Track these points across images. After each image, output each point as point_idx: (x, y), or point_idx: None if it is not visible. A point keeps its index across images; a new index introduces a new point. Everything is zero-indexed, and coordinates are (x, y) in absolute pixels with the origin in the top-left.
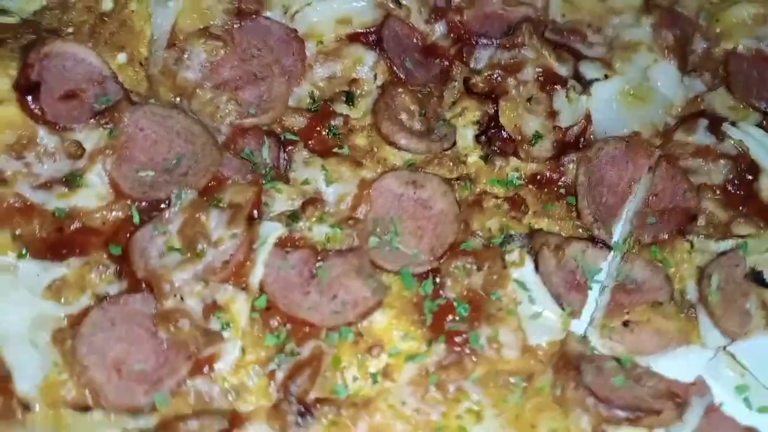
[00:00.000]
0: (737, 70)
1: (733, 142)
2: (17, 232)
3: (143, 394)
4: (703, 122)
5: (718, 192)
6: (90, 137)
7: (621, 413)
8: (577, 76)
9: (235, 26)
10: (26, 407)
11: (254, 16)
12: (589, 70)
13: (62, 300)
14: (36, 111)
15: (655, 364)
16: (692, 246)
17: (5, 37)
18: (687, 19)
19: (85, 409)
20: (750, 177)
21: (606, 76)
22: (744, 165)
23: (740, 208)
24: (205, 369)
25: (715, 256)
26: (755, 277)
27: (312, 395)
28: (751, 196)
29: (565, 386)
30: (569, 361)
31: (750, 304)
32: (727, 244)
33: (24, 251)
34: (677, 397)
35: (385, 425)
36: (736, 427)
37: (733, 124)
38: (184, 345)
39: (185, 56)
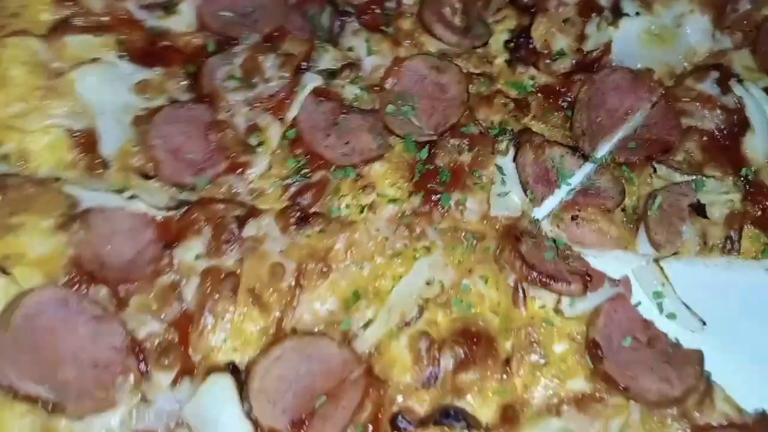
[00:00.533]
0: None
1: (735, 97)
2: (121, 38)
3: (190, 176)
4: (715, 74)
5: (705, 137)
6: None
7: (537, 275)
8: (616, 9)
9: None
10: (105, 165)
11: None
12: (628, 6)
13: (146, 96)
14: None
15: (588, 255)
16: (655, 171)
17: None
18: None
19: (146, 177)
20: (738, 131)
21: (638, 14)
22: (737, 119)
23: (718, 155)
24: (239, 171)
25: (671, 184)
26: (698, 207)
27: (312, 209)
28: (732, 148)
29: (504, 249)
30: (515, 233)
31: (685, 228)
32: (686, 177)
33: (124, 53)
34: (589, 277)
35: (360, 241)
36: (636, 317)
37: (740, 81)
38: (227, 149)
39: None
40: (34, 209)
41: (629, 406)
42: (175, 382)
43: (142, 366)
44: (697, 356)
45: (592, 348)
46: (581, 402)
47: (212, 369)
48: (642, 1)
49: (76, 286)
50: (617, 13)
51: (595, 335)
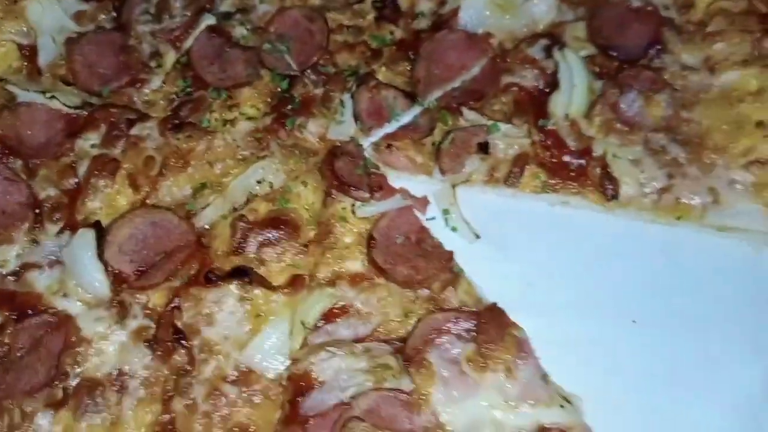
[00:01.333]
0: (604, 13)
1: (554, 62)
2: None
3: (98, 85)
4: (544, 41)
5: (522, 92)
6: None
7: (340, 183)
8: None
9: None
10: (40, 72)
11: None
12: None
13: (80, 23)
14: None
15: (397, 178)
16: (462, 114)
17: None
18: None
19: (67, 83)
20: (549, 90)
21: None
22: (551, 80)
23: (527, 107)
24: (137, 85)
25: (470, 126)
26: (483, 146)
27: (187, 120)
28: (540, 103)
29: (324, 162)
30: (336, 151)
31: (469, 160)
32: (483, 121)
33: None
34: (380, 189)
35: (216, 146)
36: (414, 224)
37: (562, 48)
38: (131, 68)
39: None
40: None
41: (388, 287)
42: (59, 233)
43: (38, 218)
44: (448, 255)
45: (370, 240)
46: (353, 278)
47: (86, 226)
48: None
49: None
50: None
51: (375, 232)
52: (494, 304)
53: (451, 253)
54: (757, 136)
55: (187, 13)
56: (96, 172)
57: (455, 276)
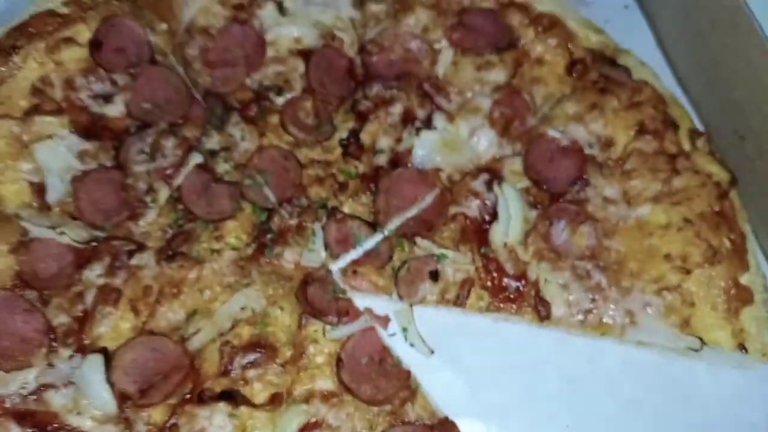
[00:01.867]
0: (536, 149)
1: (494, 194)
2: (72, 118)
3: (101, 221)
4: (485, 176)
5: (468, 221)
6: (122, 77)
7: (311, 309)
8: (428, 120)
9: (228, 29)
10: (49, 208)
11: (243, 23)
12: (438, 119)
13: (83, 161)
14: (97, 57)
15: (361, 300)
16: (416, 243)
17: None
18: (525, 102)
19: (73, 218)
20: (490, 220)
21: (442, 128)
22: (492, 211)
23: (471, 235)
24: (135, 219)
25: (423, 255)
26: (434, 274)
27: (180, 250)
28: (482, 231)
29: (298, 289)
30: (308, 278)
31: (422, 286)
32: (434, 251)
33: (72, 129)
34: (347, 314)
35: (205, 275)
36: (377, 344)
37: (500, 183)
38: (129, 204)
39: (192, 39)
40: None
41: (354, 403)
42: (71, 356)
43: (53, 344)
44: (406, 374)
45: (339, 361)
46: (325, 396)
47: (95, 350)
48: (448, 115)
49: (17, 289)
50: (428, 124)
51: (342, 353)
52: (446, 418)
53: (408, 372)
54: (665, 266)
55: (178, 153)
56: (101, 301)
57: (412, 392)
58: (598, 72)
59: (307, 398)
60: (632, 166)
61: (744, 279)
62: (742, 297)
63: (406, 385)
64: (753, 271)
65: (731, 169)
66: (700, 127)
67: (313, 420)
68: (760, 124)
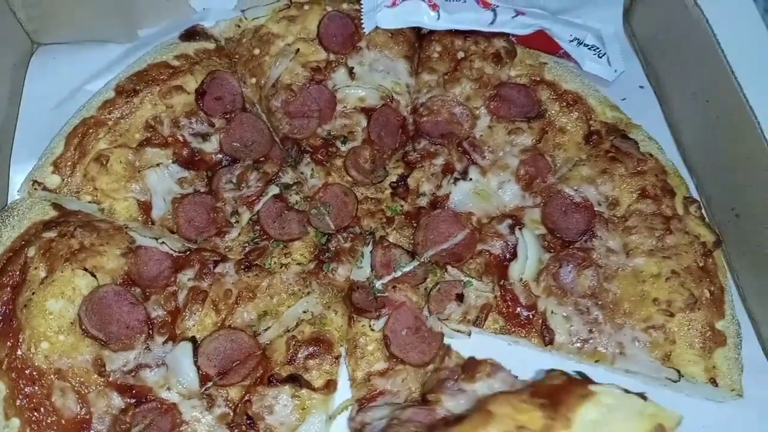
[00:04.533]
0: (553, 203)
1: (515, 237)
2: (176, 151)
3: (194, 235)
4: (509, 221)
5: (491, 257)
6: (218, 120)
7: (357, 309)
8: (465, 172)
9: (307, 86)
10: (153, 223)
11: (319, 83)
12: (473, 172)
13: (182, 186)
14: (200, 103)
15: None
16: (446, 270)
17: (203, 57)
18: (547, 163)
19: (172, 231)
20: (510, 258)
21: (470, 179)
22: (512, 251)
23: (494, 269)
24: (221, 235)
25: (452, 280)
26: (460, 296)
27: (255, 262)
28: (503, 267)
29: (347, 295)
30: (353, 286)
31: (449, 306)
32: (461, 277)
33: (175, 160)
34: (383, 305)
35: (275, 284)
36: (410, 318)
37: (521, 228)
38: (217, 223)
39: (276, 93)
40: (113, 242)
41: (406, 369)
42: (164, 343)
43: (150, 332)
44: (439, 336)
45: (385, 338)
46: (381, 373)
47: (184, 338)
48: (481, 169)
49: (125, 286)
50: (465, 176)
51: (386, 331)
52: (472, 357)
53: (441, 334)
54: (653, 309)
55: (259, 184)
56: (191, 300)
57: (447, 349)
58: (611, 143)
59: (368, 378)
60: (633, 223)
61: (719, 325)
62: (716, 339)
63: (441, 345)
64: (728, 319)
65: (717, 233)
66: (696, 195)
67: (377, 391)
68: (759, 212)
